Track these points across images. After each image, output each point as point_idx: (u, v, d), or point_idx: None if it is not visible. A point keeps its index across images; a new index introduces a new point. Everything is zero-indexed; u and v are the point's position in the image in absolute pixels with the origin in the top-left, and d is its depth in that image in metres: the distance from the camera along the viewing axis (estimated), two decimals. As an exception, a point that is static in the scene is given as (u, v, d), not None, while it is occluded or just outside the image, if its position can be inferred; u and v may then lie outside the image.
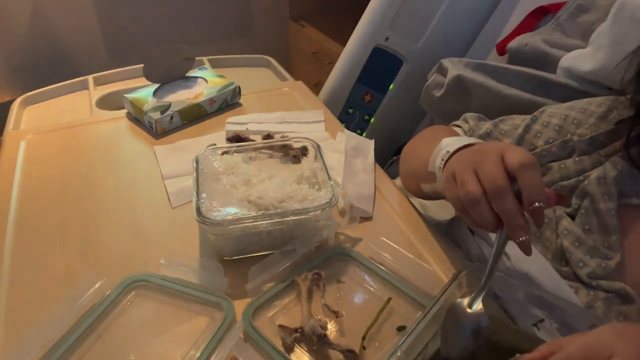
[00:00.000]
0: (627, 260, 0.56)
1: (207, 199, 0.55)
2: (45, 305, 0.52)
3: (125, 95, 0.84)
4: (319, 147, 0.63)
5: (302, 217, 0.54)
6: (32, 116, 0.91)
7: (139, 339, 0.50)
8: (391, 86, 1.05)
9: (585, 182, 0.60)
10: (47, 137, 0.79)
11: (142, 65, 0.82)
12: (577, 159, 0.62)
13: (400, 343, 0.42)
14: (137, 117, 0.83)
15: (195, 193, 0.56)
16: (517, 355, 0.35)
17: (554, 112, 0.66)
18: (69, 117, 0.88)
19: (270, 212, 0.54)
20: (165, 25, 1.86)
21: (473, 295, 0.45)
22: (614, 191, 0.58)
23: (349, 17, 1.64)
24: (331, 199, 0.55)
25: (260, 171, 0.60)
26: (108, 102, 0.92)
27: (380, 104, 1.05)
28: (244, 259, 0.57)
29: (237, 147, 0.64)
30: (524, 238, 0.44)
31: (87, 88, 0.98)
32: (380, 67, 1.02)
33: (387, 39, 0.99)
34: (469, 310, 0.44)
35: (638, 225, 0.58)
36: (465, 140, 0.54)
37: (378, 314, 0.50)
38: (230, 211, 0.54)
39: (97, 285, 0.52)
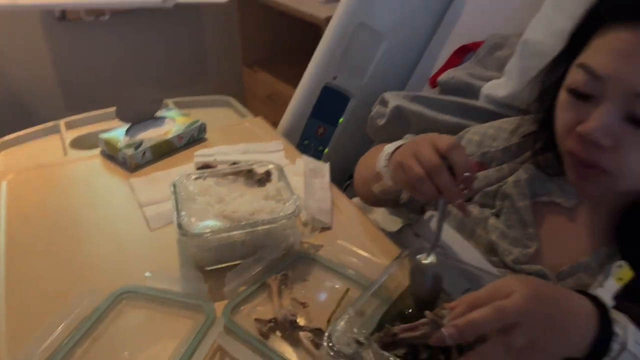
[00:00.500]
0: (543, 248, 0.68)
1: (187, 216, 0.64)
2: (43, 316, 0.58)
3: (100, 135, 0.91)
4: (282, 169, 0.73)
5: (270, 226, 0.63)
6: (8, 160, 0.96)
7: (132, 340, 0.56)
8: (341, 119, 1.17)
9: (504, 186, 0.72)
10: (27, 176, 0.85)
11: (110, 109, 0.90)
12: (497, 168, 0.75)
13: (353, 303, 0.51)
14: (112, 155, 0.90)
15: (175, 211, 0.64)
16: (444, 304, 0.45)
17: (475, 131, 0.79)
18: (44, 159, 0.95)
19: (243, 223, 0.63)
20: (123, 72, 1.95)
21: (427, 251, 0.56)
22: (527, 192, 0.70)
23: (298, 62, 1.78)
24: (295, 210, 0.64)
25: (231, 191, 0.69)
26: (81, 143, 0.99)
27: (332, 136, 1.17)
28: (221, 268, 0.65)
29: (209, 172, 0.73)
30: (460, 201, 0.58)
31: (58, 132, 1.04)
32: (330, 102, 1.14)
33: (334, 78, 1.11)
34: (424, 262, 0.55)
35: (549, 219, 0.70)
36: (401, 141, 0.67)
37: (339, 302, 0.59)
38: (208, 224, 0.62)
39: (88, 299, 0.59)
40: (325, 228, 0.73)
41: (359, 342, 0.47)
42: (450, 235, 0.70)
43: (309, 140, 1.15)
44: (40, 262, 0.67)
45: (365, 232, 0.73)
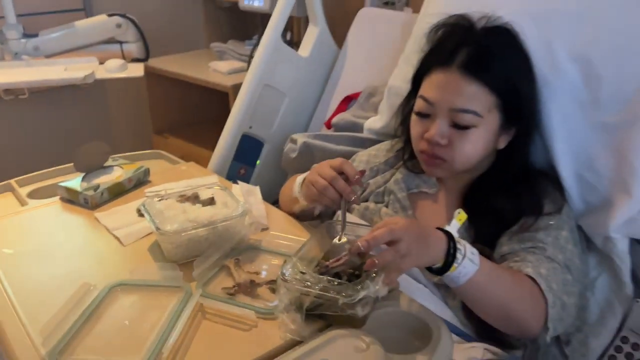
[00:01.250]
0: (418, 220, 0.97)
1: (160, 223, 0.84)
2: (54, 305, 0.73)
3: (59, 184, 1.08)
4: (225, 187, 0.96)
5: (226, 223, 0.85)
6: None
7: (129, 313, 0.74)
8: (258, 161, 1.43)
9: (388, 185, 1.02)
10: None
11: (54, 168, 1.09)
12: (382, 175, 1.05)
13: (294, 253, 0.75)
14: (71, 199, 1.07)
15: (151, 220, 0.84)
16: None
17: (363, 153, 1.10)
18: (2, 212, 1.07)
19: (206, 222, 0.84)
20: (39, 146, 2.05)
21: (338, 235, 0.80)
22: (404, 186, 1.00)
23: (208, 126, 2.05)
24: (243, 211, 0.87)
25: (189, 206, 0.91)
26: (38, 195, 1.13)
27: (252, 175, 1.42)
28: (190, 262, 0.85)
29: (167, 195, 0.94)
30: (354, 197, 0.83)
31: (9, 190, 1.17)
32: (248, 148, 1.39)
33: (250, 127, 1.38)
34: (337, 242, 0.80)
35: (420, 203, 1.00)
36: (306, 173, 0.94)
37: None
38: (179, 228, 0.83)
39: (87, 293, 0.76)
40: (264, 228, 0.96)
41: (302, 273, 0.70)
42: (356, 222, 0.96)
43: (233, 179, 1.38)
44: (38, 270, 0.82)
45: (292, 226, 0.98)
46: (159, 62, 2.13)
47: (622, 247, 0.87)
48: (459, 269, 0.72)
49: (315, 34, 1.46)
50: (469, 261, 0.73)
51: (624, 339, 0.87)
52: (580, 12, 0.91)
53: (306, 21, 1.53)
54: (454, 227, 0.77)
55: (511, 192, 0.91)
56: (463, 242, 0.75)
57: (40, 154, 2.00)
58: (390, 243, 0.69)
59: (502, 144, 0.91)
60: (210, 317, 0.74)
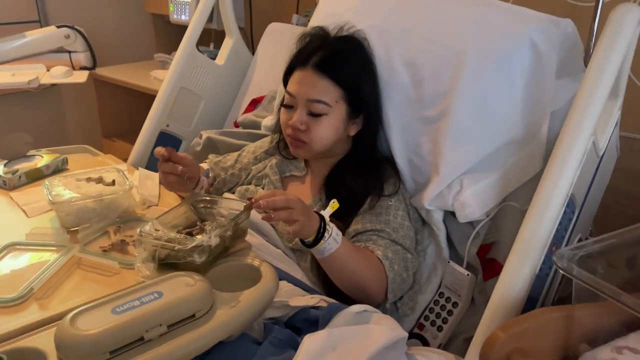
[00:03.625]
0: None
1: (55, 195, 1.01)
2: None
3: (-18, 169, 1.24)
4: (122, 170, 1.13)
5: (111, 196, 1.02)
6: None
7: (16, 265, 0.90)
8: (176, 156, 1.60)
9: (264, 170, 1.20)
10: None
11: None
12: (263, 162, 1.23)
13: (155, 218, 0.92)
14: (-7, 182, 1.23)
15: (48, 193, 1.01)
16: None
17: (251, 145, 1.29)
18: None
19: (93, 195, 1.01)
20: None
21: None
22: (277, 170, 1.18)
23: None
24: (127, 187, 1.04)
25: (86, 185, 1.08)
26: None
27: (170, 169, 1.58)
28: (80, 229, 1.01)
29: (71, 175, 1.10)
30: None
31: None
32: (167, 144, 1.56)
33: (167, 125, 1.55)
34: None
35: (291, 184, 1.18)
36: None
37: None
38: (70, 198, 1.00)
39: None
40: (151, 206, 1.13)
41: (156, 230, 0.88)
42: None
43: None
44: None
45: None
46: (106, 71, 2.31)
47: (437, 217, 1.06)
48: (325, 244, 0.91)
49: (229, 44, 1.65)
50: (333, 240, 0.91)
51: (441, 294, 1.05)
52: (411, 28, 1.11)
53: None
54: (327, 213, 0.94)
55: (361, 174, 1.10)
56: (332, 225, 0.93)
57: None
58: (281, 208, 0.86)
59: (352, 131, 1.10)
60: (84, 268, 0.91)
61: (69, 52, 2.22)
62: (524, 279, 0.81)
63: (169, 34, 2.66)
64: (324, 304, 0.99)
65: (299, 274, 1.06)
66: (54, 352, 0.70)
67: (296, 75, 1.08)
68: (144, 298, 0.76)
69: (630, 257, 0.80)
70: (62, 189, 1.05)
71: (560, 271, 0.65)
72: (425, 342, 1.03)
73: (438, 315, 1.03)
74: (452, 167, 1.02)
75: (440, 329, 1.02)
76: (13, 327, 0.75)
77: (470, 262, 1.02)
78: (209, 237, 0.85)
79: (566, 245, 0.92)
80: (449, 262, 1.04)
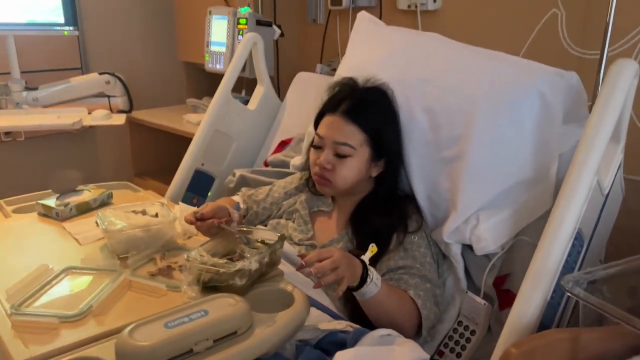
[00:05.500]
0: (315, 233, 1.25)
1: (107, 225, 1.12)
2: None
3: (37, 201, 1.36)
4: (164, 202, 1.24)
5: (158, 227, 1.13)
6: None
7: (74, 286, 1.00)
8: (209, 193, 1.72)
9: (295, 205, 1.30)
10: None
11: (37, 193, 1.38)
12: (292, 198, 1.34)
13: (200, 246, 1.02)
14: (46, 213, 1.35)
15: (101, 222, 1.12)
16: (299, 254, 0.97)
17: (281, 181, 1.40)
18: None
19: (141, 225, 1.12)
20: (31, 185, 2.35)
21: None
22: (306, 206, 1.28)
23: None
24: (172, 219, 1.15)
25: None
26: (20, 211, 1.41)
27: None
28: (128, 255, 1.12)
29: (120, 207, 1.22)
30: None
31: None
32: (200, 181, 1.69)
33: (202, 164, 1.68)
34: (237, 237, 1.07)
35: (318, 219, 1.28)
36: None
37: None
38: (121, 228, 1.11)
39: (47, 269, 1.03)
40: (191, 236, 1.24)
41: (201, 256, 0.97)
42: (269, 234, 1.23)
43: (186, 207, 1.67)
44: (14, 260, 1.09)
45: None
46: (141, 114, 2.47)
47: (455, 250, 1.14)
48: (367, 288, 1.00)
49: (261, 91, 1.79)
50: (374, 284, 1.01)
51: (459, 323, 1.12)
52: (429, 78, 1.23)
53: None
54: (367, 257, 1.03)
55: (384, 211, 1.20)
56: (372, 269, 1.03)
57: (33, 191, 2.29)
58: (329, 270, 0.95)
59: (374, 172, 1.21)
60: (134, 289, 1.00)
61: (109, 96, 2.40)
62: (535, 305, 0.88)
63: (199, 81, 2.85)
64: (350, 329, 1.07)
65: (326, 302, 1.14)
66: (113, 361, 0.79)
67: (326, 120, 1.20)
68: (192, 315, 0.85)
69: (632, 286, 0.88)
70: (113, 219, 1.16)
71: (567, 294, 0.73)
72: (445, 369, 1.09)
73: (457, 342, 1.10)
74: (469, 203, 1.12)
75: (459, 355, 1.09)
76: (77, 339, 0.85)
77: (486, 292, 1.10)
78: (249, 262, 0.95)
79: (576, 276, 1.00)
80: (466, 292, 1.11)
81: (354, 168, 1.17)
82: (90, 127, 2.38)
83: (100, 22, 2.58)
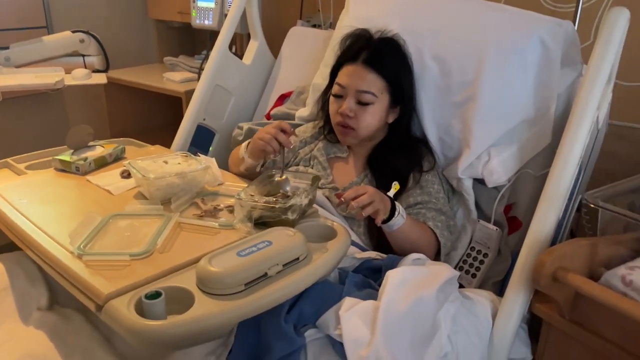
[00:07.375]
0: (335, 178, 1.34)
1: (145, 173, 1.16)
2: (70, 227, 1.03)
3: (53, 157, 1.36)
4: (191, 154, 1.29)
5: (192, 172, 1.18)
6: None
7: (128, 229, 1.05)
8: (211, 147, 1.76)
9: (313, 152, 1.38)
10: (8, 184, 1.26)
11: (46, 150, 1.38)
12: (308, 146, 1.42)
13: (246, 187, 1.09)
14: (64, 168, 1.35)
15: (137, 171, 1.15)
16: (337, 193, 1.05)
17: (296, 130, 1.46)
18: (3, 181, 1.33)
19: (179, 172, 1.17)
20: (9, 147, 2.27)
21: (280, 173, 1.16)
22: (324, 152, 1.37)
23: (162, 129, 2.33)
24: (205, 165, 1.21)
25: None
26: (33, 168, 1.41)
27: (205, 159, 1.74)
28: (166, 202, 1.16)
29: (155, 155, 1.25)
30: (292, 146, 1.21)
31: (6, 167, 1.43)
32: (202, 136, 1.72)
33: (204, 119, 1.71)
34: (278, 178, 1.15)
35: (336, 164, 1.37)
36: (250, 139, 1.29)
37: (237, 202, 1.16)
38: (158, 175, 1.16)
39: (95, 217, 1.06)
40: (220, 184, 1.29)
41: (251, 195, 1.05)
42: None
43: (191, 162, 1.70)
44: (50, 210, 1.11)
45: (239, 182, 1.32)
46: (118, 74, 2.42)
47: (467, 184, 1.28)
48: (395, 220, 1.11)
49: (255, 46, 1.82)
50: (400, 217, 1.12)
51: (472, 249, 1.27)
52: (438, 29, 1.33)
53: (248, 37, 1.89)
54: (391, 193, 1.15)
55: (401, 154, 1.31)
56: (398, 204, 1.13)
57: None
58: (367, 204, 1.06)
59: (390, 119, 1.31)
60: (187, 230, 1.06)
61: (83, 55, 2.33)
62: (550, 223, 1.03)
63: (169, 39, 2.80)
64: (379, 258, 1.19)
65: (354, 237, 1.24)
66: (195, 288, 0.87)
67: (346, 69, 1.27)
68: (259, 245, 0.94)
69: (630, 202, 1.04)
70: (145, 167, 1.20)
71: (592, 205, 0.87)
72: (461, 287, 1.23)
73: (471, 265, 1.25)
74: (481, 141, 1.25)
75: (474, 276, 1.23)
76: (152, 273, 0.91)
77: (497, 220, 1.25)
78: (300, 198, 1.03)
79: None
80: (478, 221, 1.25)
81: (376, 115, 1.26)
82: (57, 88, 2.31)
83: (65, -23, 2.47)
